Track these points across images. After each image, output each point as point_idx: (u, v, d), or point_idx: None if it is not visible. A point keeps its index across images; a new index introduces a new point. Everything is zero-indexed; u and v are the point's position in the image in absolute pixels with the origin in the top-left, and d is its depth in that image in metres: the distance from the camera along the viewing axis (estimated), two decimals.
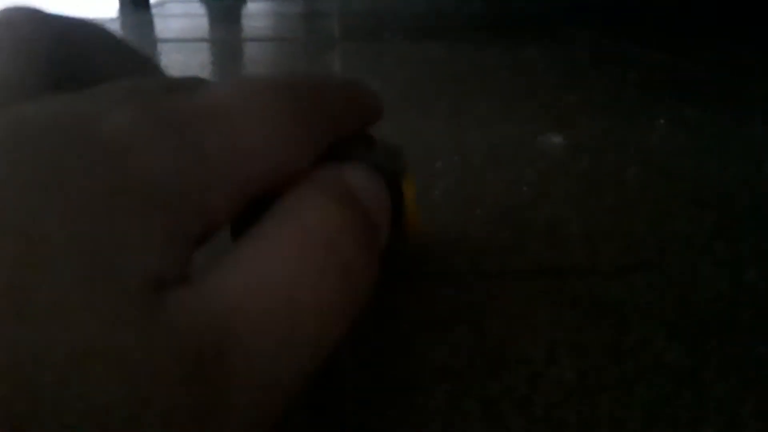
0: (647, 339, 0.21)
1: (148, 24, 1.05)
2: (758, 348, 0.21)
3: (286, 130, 0.15)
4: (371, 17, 1.14)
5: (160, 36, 0.92)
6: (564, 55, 0.71)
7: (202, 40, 0.89)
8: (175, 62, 0.69)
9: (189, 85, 0.16)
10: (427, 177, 0.35)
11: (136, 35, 0.93)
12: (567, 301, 0.24)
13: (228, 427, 0.12)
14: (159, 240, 0.12)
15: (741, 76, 0.61)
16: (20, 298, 0.10)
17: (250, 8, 1.35)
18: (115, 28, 0.98)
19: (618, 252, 0.27)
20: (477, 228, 0.30)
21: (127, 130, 0.12)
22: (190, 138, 0.13)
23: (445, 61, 0.70)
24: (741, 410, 0.18)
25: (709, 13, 0.86)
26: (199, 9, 1.31)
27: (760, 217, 0.31)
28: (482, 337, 0.21)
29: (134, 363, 0.10)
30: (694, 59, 0.67)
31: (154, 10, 1.25)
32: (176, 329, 0.11)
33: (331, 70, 0.66)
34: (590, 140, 0.42)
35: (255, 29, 1.01)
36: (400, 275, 0.25)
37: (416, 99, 0.53)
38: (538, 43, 0.76)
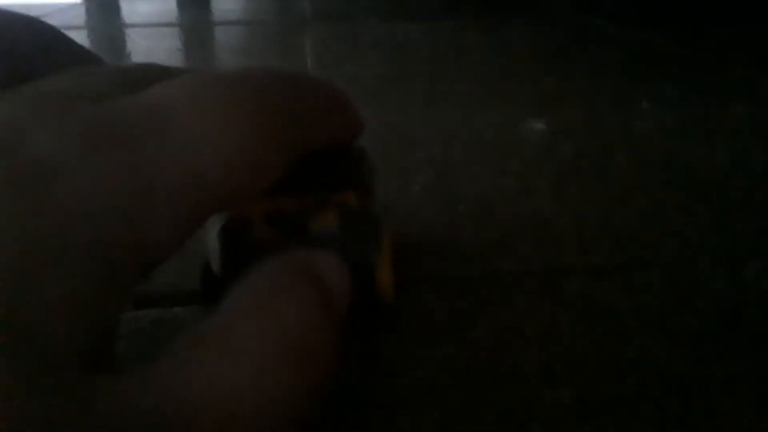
0: (648, 349, 0.20)
1: (114, 8, 1.01)
2: (765, 354, 0.20)
3: (248, 139, 0.13)
4: None
5: (127, 21, 0.89)
6: (544, 35, 0.69)
7: (170, 24, 0.85)
8: (142, 48, 0.66)
9: (137, 78, 0.13)
10: (407, 170, 0.33)
11: (101, 20, 0.89)
12: (560, 307, 0.22)
13: None
14: (90, 291, 0.10)
15: (721, 53, 0.59)
16: None
17: None
18: (80, 12, 0.94)
19: (610, 249, 0.26)
20: (461, 226, 0.28)
21: (55, 150, 0.10)
22: (128, 155, 0.11)
23: (422, 42, 0.67)
24: (757, 429, 0.17)
25: None
26: None
27: (754, 206, 0.29)
28: (472, 353, 0.20)
29: None
30: (674, 36, 0.65)
31: None
32: (109, 424, 0.09)
33: (302, 54, 0.63)
34: (573, 125, 0.40)
35: (225, 12, 0.97)
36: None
37: (393, 84, 0.51)
38: (517, 23, 0.74)
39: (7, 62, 0.15)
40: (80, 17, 0.90)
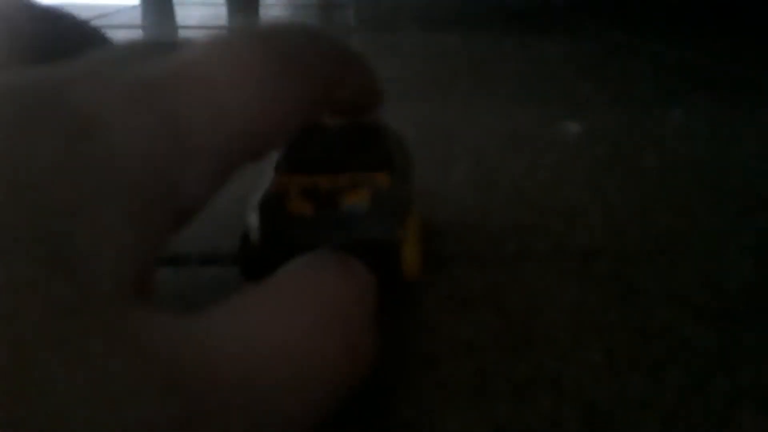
0: (675, 322, 0.20)
1: (169, 12, 1.04)
2: None
3: (271, 94, 0.13)
4: (386, 8, 1.12)
5: (181, 22, 0.91)
6: (578, 47, 0.69)
7: (221, 27, 0.87)
8: None
9: (162, 48, 0.14)
10: (445, 160, 0.34)
11: (157, 21, 0.92)
12: (591, 284, 0.22)
13: None
14: (129, 232, 0.10)
15: (753, 69, 0.59)
16: None
17: None
18: (137, 15, 0.97)
19: (641, 237, 0.26)
20: (496, 211, 0.28)
21: (95, 103, 0.11)
22: (161, 108, 0.11)
23: (460, 50, 0.68)
24: None
25: (719, 7, 0.84)
26: None
27: None
28: (507, 317, 0.20)
29: (105, 383, 0.09)
30: (706, 52, 0.65)
31: None
32: (153, 354, 0.09)
33: None
34: (607, 128, 0.41)
35: (272, 19, 1.00)
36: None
37: (432, 86, 0.52)
38: (552, 36, 0.75)
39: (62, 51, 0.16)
40: (137, 18, 0.93)
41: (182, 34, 0.80)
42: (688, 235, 0.26)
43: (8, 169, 0.09)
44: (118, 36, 0.74)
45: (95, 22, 0.83)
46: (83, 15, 0.89)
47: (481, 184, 0.31)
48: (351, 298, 0.13)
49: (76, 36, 0.17)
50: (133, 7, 1.05)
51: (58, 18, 0.16)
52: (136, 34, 0.78)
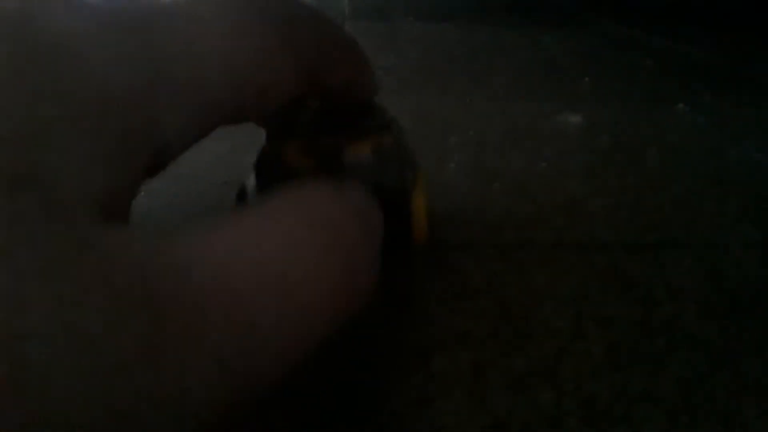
0: (678, 315, 0.20)
1: None
2: None
3: (258, 57, 0.13)
4: None
5: None
6: (580, 40, 0.69)
7: None
8: None
9: None
10: (443, 151, 0.34)
11: None
12: (592, 275, 0.22)
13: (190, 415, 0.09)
14: (105, 154, 0.10)
15: (757, 64, 0.59)
16: None
17: None
18: None
19: (642, 229, 0.26)
20: (495, 201, 0.28)
21: (74, 31, 0.10)
22: (143, 40, 0.11)
23: (459, 42, 0.68)
24: None
25: (723, 1, 0.84)
26: None
27: None
28: (505, 307, 0.20)
29: (73, 311, 0.08)
30: (709, 47, 0.65)
31: None
32: (122, 268, 0.09)
33: None
34: (608, 121, 0.40)
35: None
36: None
37: (430, 77, 0.51)
38: (553, 28, 0.74)
39: None
40: None
41: None
42: (691, 229, 0.26)
43: None
44: None
45: None
46: None
47: (480, 175, 0.31)
48: (353, 223, 0.12)
49: None
50: None
51: None
52: None
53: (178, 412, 0.09)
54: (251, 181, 0.17)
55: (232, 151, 0.30)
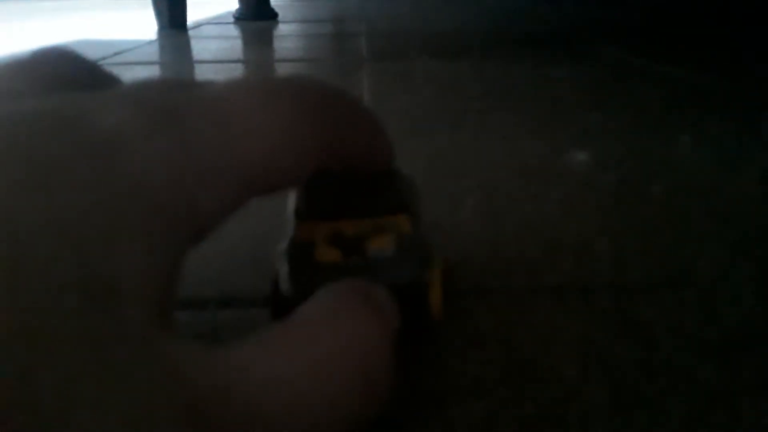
0: (678, 357, 0.21)
1: (185, 46, 1.07)
2: None
3: (288, 133, 0.14)
4: (397, 38, 1.14)
5: (197, 57, 0.94)
6: (588, 72, 0.70)
7: (237, 61, 0.90)
8: None
9: (188, 83, 0.15)
10: (455, 194, 0.35)
11: (174, 56, 0.95)
12: (596, 319, 0.23)
13: None
14: (155, 255, 0.11)
15: (762, 92, 0.60)
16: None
17: (282, 30, 1.37)
18: (154, 50, 1.00)
19: (646, 269, 0.27)
20: (506, 245, 0.29)
21: (122, 126, 0.11)
22: (181, 132, 0.12)
23: (470, 79, 0.69)
24: None
25: (732, 28, 0.85)
26: (234, 31, 1.33)
27: None
28: (514, 353, 0.21)
29: (137, 415, 0.09)
30: (718, 75, 0.66)
31: (190, 32, 1.27)
32: (181, 380, 0.10)
33: (360, 89, 0.66)
34: (615, 157, 0.41)
35: (286, 50, 1.02)
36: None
37: (443, 115, 0.53)
38: (562, 61, 0.76)
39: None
40: (154, 54, 0.96)
41: (198, 68, 0.82)
42: (692, 267, 0.27)
43: (37, 193, 0.10)
44: (135, 72, 0.77)
45: (112, 59, 0.86)
46: (100, 52, 0.91)
47: (490, 218, 0.32)
48: (372, 333, 0.14)
49: (90, 78, 0.17)
50: (150, 43, 1.08)
51: (74, 60, 0.17)
52: (153, 70, 0.80)
53: None
54: (283, 270, 0.18)
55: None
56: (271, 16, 1.62)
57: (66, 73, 0.16)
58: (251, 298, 0.25)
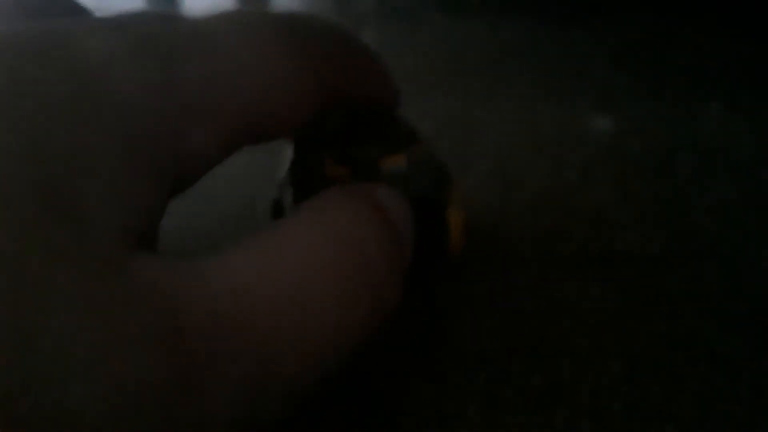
0: (699, 329, 0.21)
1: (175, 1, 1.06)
2: None
3: (285, 74, 0.14)
4: None
5: (188, 11, 0.93)
6: (613, 36, 0.69)
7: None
8: None
9: (179, 17, 0.14)
10: (466, 158, 0.35)
11: (162, 9, 0.94)
12: (613, 290, 0.23)
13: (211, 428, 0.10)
14: (135, 180, 0.11)
15: None
16: None
17: None
18: (141, 3, 0.99)
19: (669, 240, 0.27)
20: (517, 213, 0.29)
21: (104, 54, 0.11)
22: (169, 65, 0.12)
23: (485, 39, 0.69)
24: None
25: None
26: None
27: None
28: (522, 323, 0.21)
29: (105, 331, 0.09)
30: (750, 42, 0.65)
31: None
32: (155, 300, 0.10)
33: None
34: (640, 123, 0.41)
35: (285, 7, 1.01)
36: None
37: (454, 78, 0.52)
38: (586, 23, 0.75)
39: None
40: (141, 6, 0.95)
41: None
42: (720, 239, 0.27)
43: (11, 111, 0.10)
44: None
45: (97, 6, 0.85)
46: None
47: (503, 184, 0.32)
48: (381, 238, 0.14)
49: (68, 12, 0.17)
50: None
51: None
52: None
53: None
54: (288, 196, 0.18)
55: (248, 164, 0.32)
56: None
57: (46, 7, 0.15)
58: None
